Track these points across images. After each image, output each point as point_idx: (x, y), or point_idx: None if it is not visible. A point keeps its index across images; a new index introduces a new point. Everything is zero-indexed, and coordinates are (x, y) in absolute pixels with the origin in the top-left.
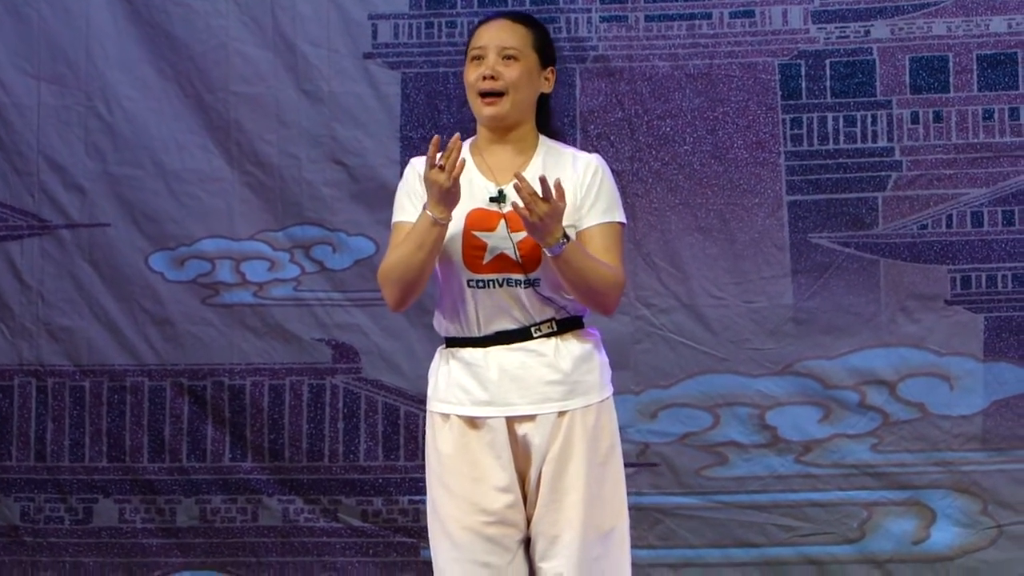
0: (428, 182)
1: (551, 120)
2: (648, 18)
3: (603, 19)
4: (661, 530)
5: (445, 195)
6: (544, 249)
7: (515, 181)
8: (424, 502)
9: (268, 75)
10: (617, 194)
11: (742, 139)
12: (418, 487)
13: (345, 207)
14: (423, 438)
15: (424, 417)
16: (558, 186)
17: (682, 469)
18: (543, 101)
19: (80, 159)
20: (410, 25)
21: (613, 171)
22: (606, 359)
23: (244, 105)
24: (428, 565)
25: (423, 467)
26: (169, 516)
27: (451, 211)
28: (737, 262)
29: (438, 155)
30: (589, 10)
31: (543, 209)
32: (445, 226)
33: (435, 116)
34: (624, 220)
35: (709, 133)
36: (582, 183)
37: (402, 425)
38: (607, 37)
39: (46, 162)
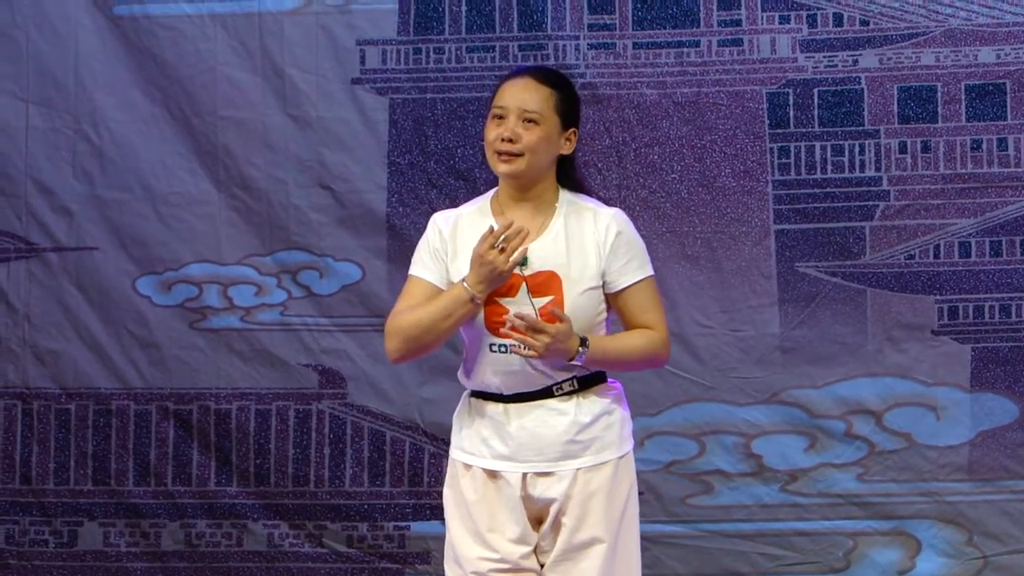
0: (481, 260)
1: (573, 175)
2: (636, 45)
3: (591, 46)
4: (647, 558)
5: (497, 278)
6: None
7: (509, 324)
8: (409, 528)
9: (256, 100)
10: (643, 245)
11: (729, 167)
12: (404, 513)
13: (332, 232)
14: (409, 464)
15: (410, 443)
16: (551, 313)
17: (668, 497)
18: (567, 158)
19: (68, 182)
20: (398, 51)
21: (601, 199)
22: (627, 413)
23: (232, 129)
24: None
25: (409, 493)
26: (154, 540)
27: (489, 291)
28: (724, 291)
29: (501, 236)
30: (577, 37)
31: (545, 340)
32: (480, 305)
33: (422, 142)
34: (652, 271)
35: (696, 161)
36: (605, 242)
37: (388, 451)
38: (595, 64)
39: (34, 185)
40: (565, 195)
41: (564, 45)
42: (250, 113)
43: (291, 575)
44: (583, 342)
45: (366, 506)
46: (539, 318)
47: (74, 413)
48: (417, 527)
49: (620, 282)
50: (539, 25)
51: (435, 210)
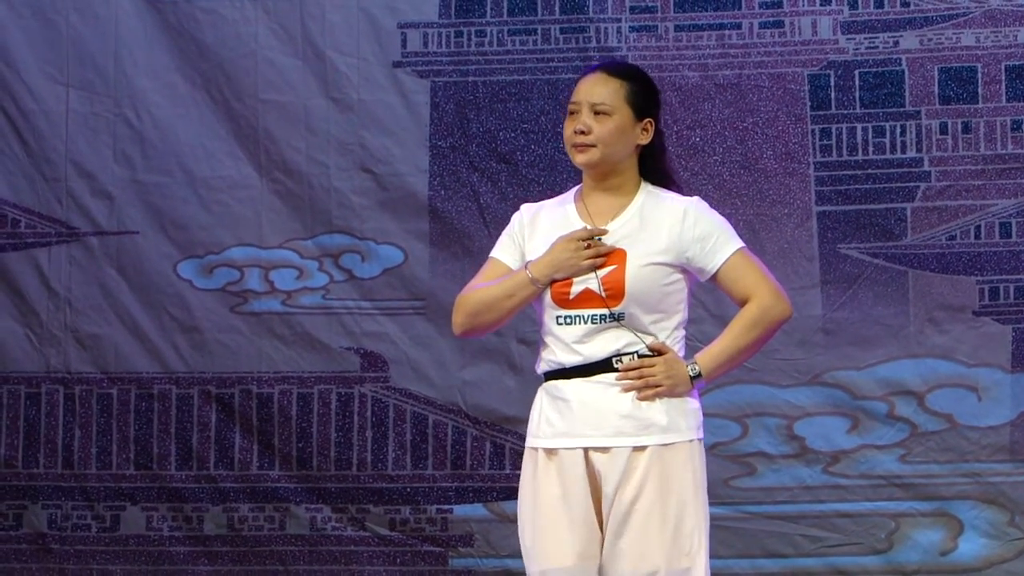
0: (564, 247)
1: (655, 168)
2: (678, 28)
3: (632, 29)
4: None
5: (568, 267)
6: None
7: (622, 371)
8: (452, 511)
9: (297, 83)
10: (724, 223)
11: (771, 149)
12: (446, 496)
13: (374, 215)
14: (451, 447)
15: (453, 426)
16: (656, 347)
17: (710, 479)
18: (648, 150)
19: (109, 166)
20: (439, 34)
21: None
22: (695, 404)
23: (273, 113)
24: (456, 574)
25: (451, 476)
26: (196, 524)
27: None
28: None
29: (594, 238)
30: (619, 20)
31: (660, 370)
32: (541, 288)
33: (464, 125)
34: (742, 243)
35: (738, 143)
36: (682, 228)
37: (431, 434)
38: (636, 47)
39: (75, 169)
40: (646, 186)
41: (606, 28)
42: (291, 96)
43: (334, 558)
44: (692, 366)
45: (409, 489)
46: (602, 289)
47: (116, 397)
48: (460, 510)
49: (711, 265)
50: (581, 7)
51: (477, 193)
